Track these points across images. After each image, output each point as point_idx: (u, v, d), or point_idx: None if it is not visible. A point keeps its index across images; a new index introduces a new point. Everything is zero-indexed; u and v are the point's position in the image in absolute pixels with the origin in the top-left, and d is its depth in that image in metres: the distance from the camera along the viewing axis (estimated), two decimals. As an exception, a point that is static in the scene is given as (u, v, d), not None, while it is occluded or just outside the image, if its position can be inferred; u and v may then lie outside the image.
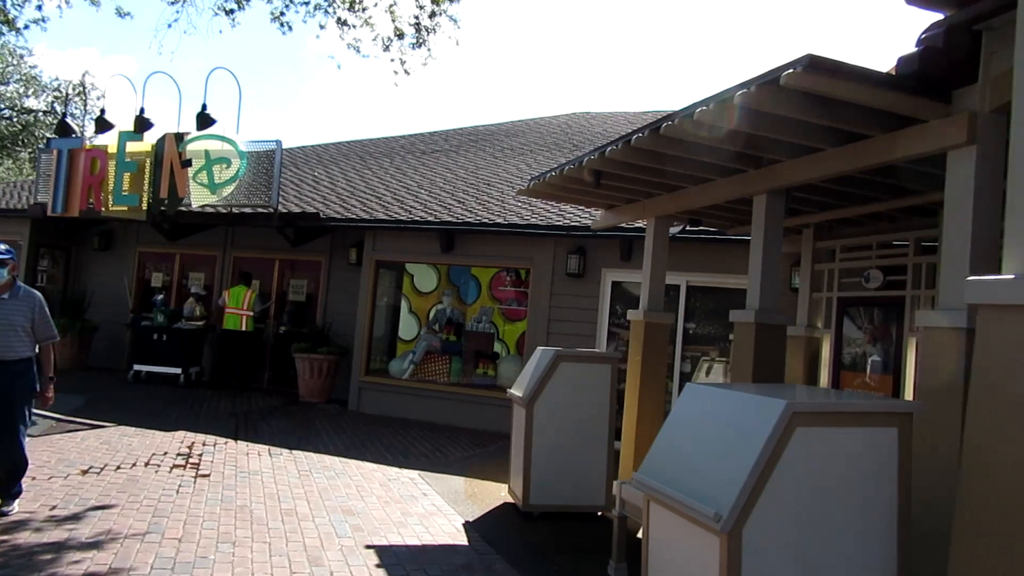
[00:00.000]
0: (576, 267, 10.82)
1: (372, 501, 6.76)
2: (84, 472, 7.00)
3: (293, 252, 13.83)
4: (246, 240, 14.39)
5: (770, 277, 5.69)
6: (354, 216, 12.29)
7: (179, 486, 6.77)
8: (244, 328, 13.01)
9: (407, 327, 12.62)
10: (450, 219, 11.57)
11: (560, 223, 10.89)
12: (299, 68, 65.32)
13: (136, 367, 13.35)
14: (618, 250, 10.66)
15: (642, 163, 5.90)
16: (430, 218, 11.72)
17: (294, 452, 8.60)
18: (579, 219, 11.01)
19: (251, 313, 13.06)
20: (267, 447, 8.76)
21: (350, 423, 10.88)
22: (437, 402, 11.62)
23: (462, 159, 16.07)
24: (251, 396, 12.72)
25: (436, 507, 6.76)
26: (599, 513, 6.66)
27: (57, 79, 30.61)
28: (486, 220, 11.32)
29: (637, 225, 10.12)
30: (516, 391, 6.90)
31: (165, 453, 8.07)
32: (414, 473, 8.01)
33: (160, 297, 14.57)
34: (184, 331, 13.44)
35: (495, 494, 7.39)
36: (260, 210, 12.57)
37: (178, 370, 13.28)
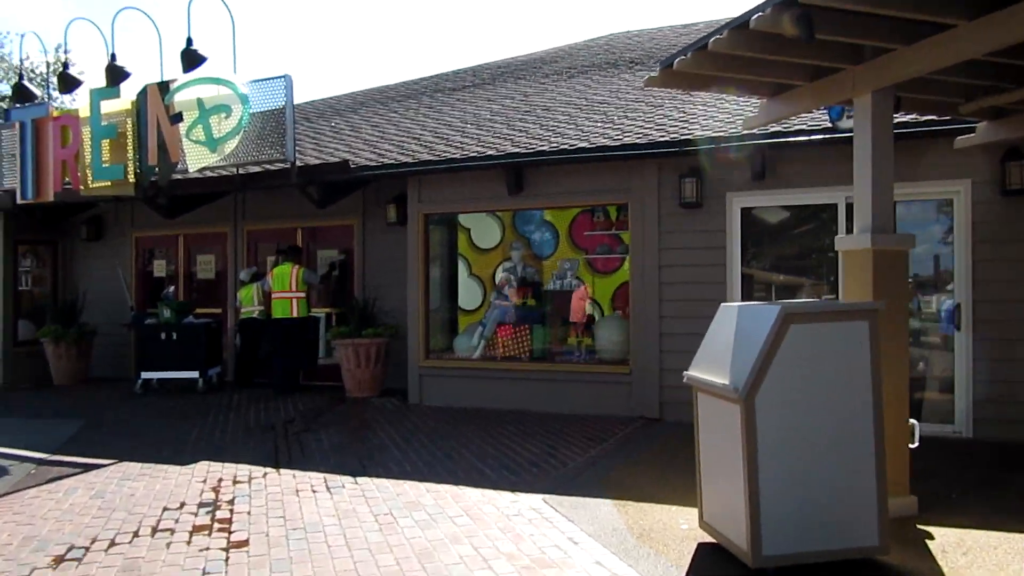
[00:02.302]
0: (692, 194, 8.24)
1: (502, 566, 4.33)
2: (58, 560, 4.60)
3: (318, 217, 11.32)
4: (260, 208, 11.89)
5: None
6: (393, 161, 9.74)
7: (204, 571, 4.37)
8: (296, 313, 10.57)
9: (469, 294, 10.14)
10: (517, 150, 8.99)
11: (666, 138, 8.29)
12: (287, 23, 62.32)
13: (144, 375, 11.00)
14: (748, 167, 8.06)
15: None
16: (491, 152, 9.14)
17: (360, 481, 6.19)
18: (688, 129, 8.40)
19: (302, 294, 10.61)
20: (322, 476, 6.36)
21: (418, 423, 8.47)
22: (522, 385, 9.17)
23: (503, 90, 13.41)
24: (287, 397, 10.33)
25: (602, 564, 4.33)
26: (876, 558, 4.18)
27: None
28: (566, 146, 8.73)
29: (774, 129, 7.53)
30: (708, 375, 4.42)
31: (182, 505, 5.67)
32: (537, 499, 5.58)
33: (171, 289, 12.19)
34: (198, 326, 11.03)
35: (672, 527, 4.94)
36: (274, 166, 10.05)
37: (195, 374, 10.91)
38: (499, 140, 9.72)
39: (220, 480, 6.31)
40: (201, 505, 5.65)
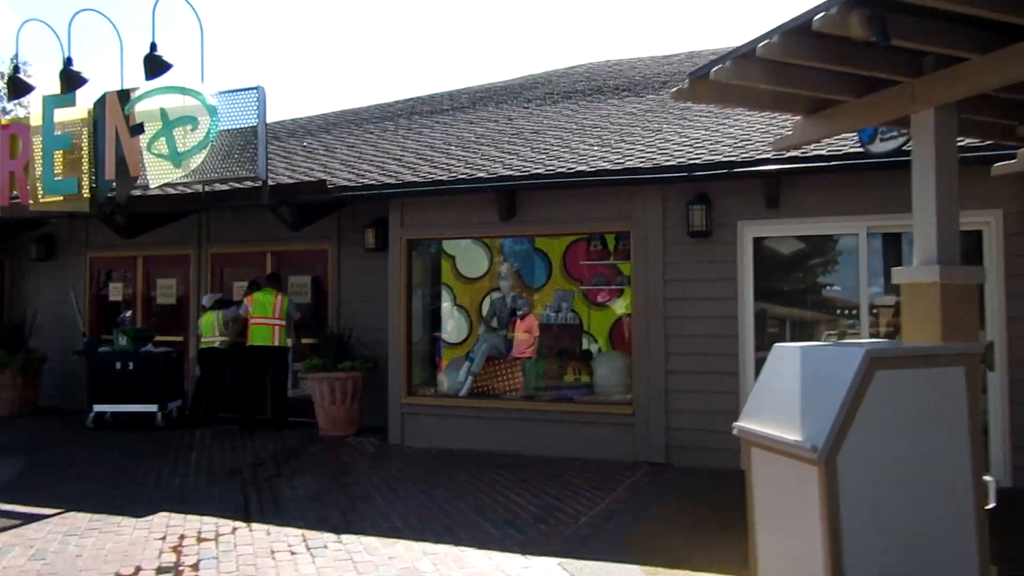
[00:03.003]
0: (701, 222, 7.69)
1: (529, 656, 3.63)
2: (-15, 650, 3.80)
3: (289, 241, 10.57)
4: (227, 230, 11.10)
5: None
6: (374, 182, 9.06)
7: (166, 664, 3.60)
8: (276, 343, 9.79)
9: (454, 326, 9.46)
10: (511, 173, 8.38)
11: (671, 162, 7.75)
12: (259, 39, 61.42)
13: (97, 407, 10.07)
14: (760, 194, 7.55)
15: None
16: (481, 174, 8.52)
17: (345, 540, 5.43)
18: (694, 153, 7.87)
19: (283, 323, 9.85)
20: (300, 533, 5.58)
21: (403, 468, 7.72)
22: (514, 425, 8.48)
23: (484, 113, 12.85)
24: (254, 434, 9.50)
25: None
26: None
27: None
28: (564, 169, 8.14)
29: (790, 155, 7.05)
30: (768, 428, 3.80)
31: (137, 570, 4.86)
32: (552, 565, 4.89)
33: (128, 314, 11.28)
34: (157, 355, 10.16)
35: (715, 602, 4.29)
36: (243, 185, 9.30)
37: (153, 407, 10.02)
38: (488, 162, 9.11)
39: (182, 537, 5.50)
40: (160, 571, 4.85)
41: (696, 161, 7.60)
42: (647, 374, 7.93)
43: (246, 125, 8.96)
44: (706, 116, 9.57)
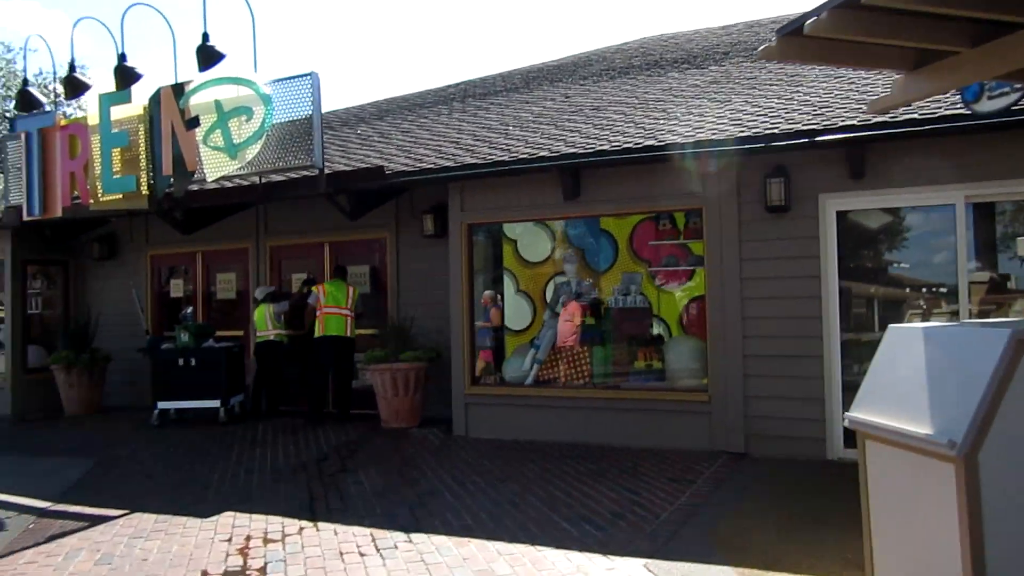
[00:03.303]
0: (779, 197, 7.21)
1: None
2: (48, 663, 3.62)
3: (346, 231, 10.38)
4: (284, 222, 10.97)
5: None
6: (432, 166, 8.78)
7: None
8: (348, 333, 9.69)
9: (517, 313, 9.14)
10: (574, 150, 8.00)
11: (746, 133, 7.27)
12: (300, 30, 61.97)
13: (161, 405, 10.04)
14: (844, 165, 7.04)
15: None
16: (543, 153, 8.16)
17: (415, 539, 5.17)
18: (771, 123, 7.38)
19: (353, 314, 9.76)
20: (368, 532, 5.35)
21: (469, 461, 7.45)
22: (582, 415, 8.13)
23: (539, 92, 12.46)
24: (317, 428, 9.35)
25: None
26: None
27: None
28: (631, 144, 7.73)
29: (877, 120, 6.52)
30: (889, 420, 3.37)
31: (203, 574, 4.68)
32: (638, 566, 4.54)
33: (190, 310, 11.25)
34: (218, 351, 10.09)
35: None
36: (299, 174, 9.13)
37: (216, 403, 9.95)
38: (549, 141, 8.74)
39: (248, 538, 5.31)
40: (227, 575, 4.66)
41: (774, 130, 7.11)
42: (724, 359, 7.50)
43: (301, 115, 8.75)
44: (776, 85, 9.04)
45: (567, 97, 11.47)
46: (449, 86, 15.32)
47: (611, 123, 8.99)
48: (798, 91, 8.47)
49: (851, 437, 6.99)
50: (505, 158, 8.29)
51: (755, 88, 9.14)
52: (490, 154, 8.63)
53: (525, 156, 8.19)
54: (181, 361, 9.98)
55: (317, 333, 9.70)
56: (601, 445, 7.87)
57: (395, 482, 6.71)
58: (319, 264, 10.86)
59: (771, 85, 9.09)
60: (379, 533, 5.31)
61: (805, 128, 6.96)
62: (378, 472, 7.09)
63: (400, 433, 8.90)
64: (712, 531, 5.12)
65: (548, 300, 8.94)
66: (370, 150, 10.85)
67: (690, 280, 8.19)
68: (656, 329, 8.33)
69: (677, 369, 8.10)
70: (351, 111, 15.42)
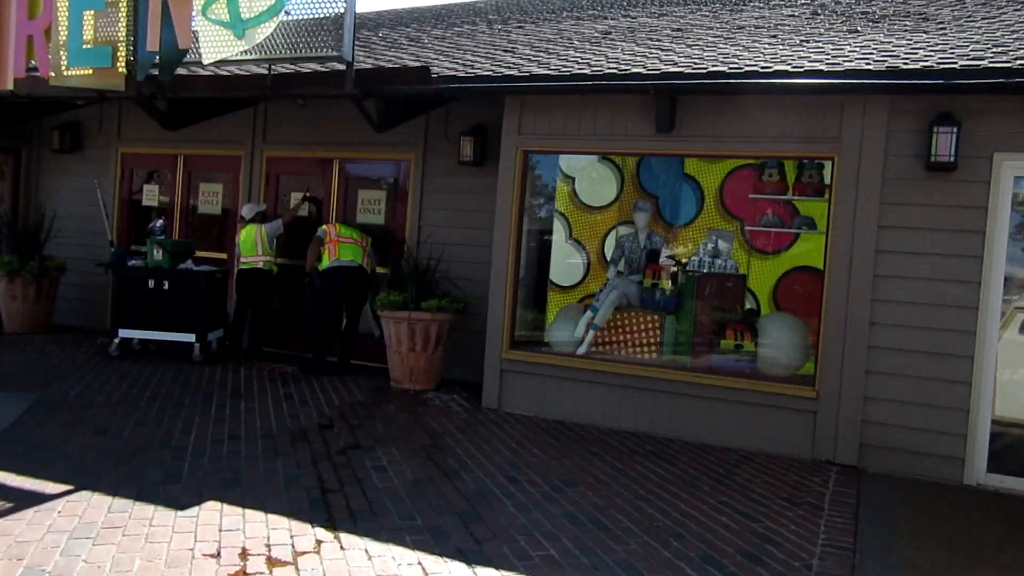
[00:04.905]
0: (948, 151, 5.62)
1: None
2: None
3: (363, 147, 8.65)
4: (289, 129, 9.16)
5: None
6: (488, 73, 7.02)
7: None
8: (364, 264, 8.13)
9: (567, 266, 7.57)
10: (679, 70, 6.30)
11: (911, 66, 5.64)
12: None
13: (123, 332, 8.31)
14: (1034, 116, 5.48)
15: None
16: (638, 69, 6.45)
17: (481, 574, 3.64)
18: (944, 56, 5.75)
19: (368, 253, 8.22)
20: (415, 558, 3.78)
21: (514, 446, 5.90)
22: (650, 398, 6.61)
23: (593, 13, 10.64)
24: (311, 379, 7.74)
25: None
26: None
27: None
28: (757, 68, 6.06)
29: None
30: None
31: (182, 622, 3.09)
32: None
33: (160, 222, 9.48)
34: (198, 275, 8.35)
35: None
36: (322, 66, 7.34)
37: (191, 337, 8.25)
38: (633, 58, 7.03)
39: (245, 555, 3.71)
40: (217, 625, 3.07)
41: (952, 65, 5.50)
42: (838, 348, 5.99)
43: (327, -10, 6.93)
44: (947, 19, 7.40)
45: (634, 18, 9.69)
46: (478, 1, 13.35)
47: (710, 45, 7.30)
48: (971, 25, 6.88)
49: (998, 458, 5.63)
50: (587, 71, 6.57)
51: (925, 17, 7.49)
52: (564, 67, 6.90)
53: (613, 71, 6.48)
54: (152, 283, 8.24)
55: (325, 263, 8.04)
56: (670, 438, 6.38)
57: (429, 472, 5.14)
58: (325, 185, 9.11)
59: (940, 13, 7.51)
60: (430, 561, 3.75)
61: (998, 65, 5.36)
62: (402, 454, 5.51)
63: (415, 397, 7.32)
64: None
65: (608, 255, 7.36)
66: (400, 51, 9.02)
67: (792, 246, 6.67)
68: (748, 302, 6.80)
69: (772, 354, 6.59)
70: (366, 16, 13.43)
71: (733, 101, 6.35)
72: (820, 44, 6.71)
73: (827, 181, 6.36)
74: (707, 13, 9.47)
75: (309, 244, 8.23)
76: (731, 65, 6.19)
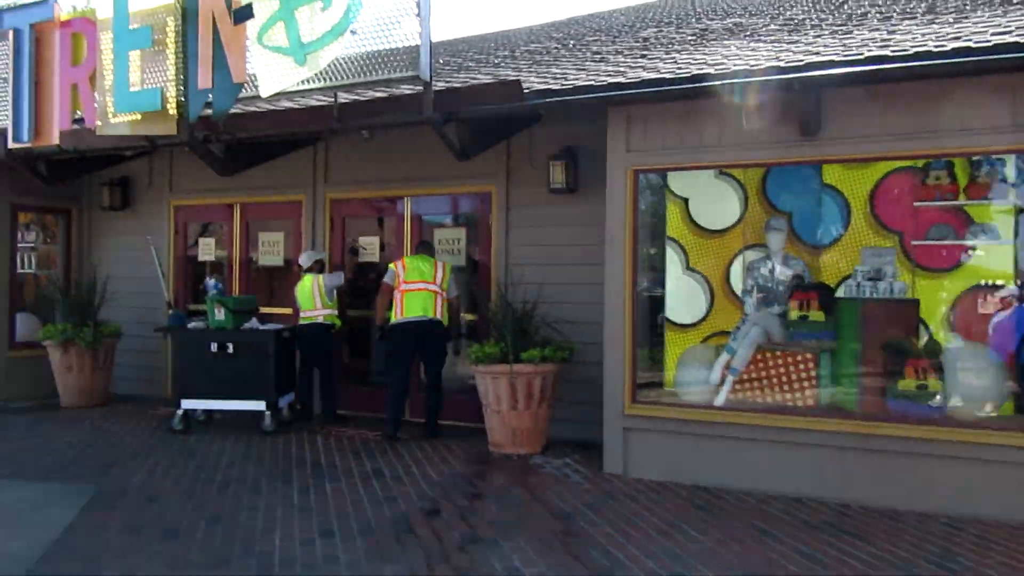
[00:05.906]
0: None
1: None
2: None
3: (435, 182, 7.81)
4: (351, 167, 8.34)
5: None
6: (589, 83, 6.04)
7: None
8: (438, 315, 7.09)
9: (686, 300, 6.49)
10: (821, 59, 5.26)
11: None
12: None
13: (185, 404, 7.44)
14: None
15: None
16: (769, 64, 5.43)
17: None
18: None
19: (444, 294, 7.18)
20: None
21: (663, 529, 4.81)
22: (811, 454, 5.47)
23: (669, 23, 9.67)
24: (398, 448, 6.75)
25: None
26: None
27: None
28: (929, 48, 4.99)
29: None
30: None
31: None
32: None
33: (211, 280, 8.68)
34: (264, 335, 7.47)
35: None
36: (396, 89, 6.46)
37: (260, 405, 7.34)
38: (762, 53, 6.01)
39: None
40: None
41: None
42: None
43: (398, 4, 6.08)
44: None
45: (723, 19, 8.70)
46: (548, 24, 12.43)
47: (842, 32, 6.25)
48: None
49: None
50: (708, 71, 5.56)
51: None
52: (677, 69, 5.91)
53: (742, 68, 5.46)
54: (214, 346, 7.37)
55: (394, 318, 7.10)
56: (844, 503, 5.24)
57: (576, 573, 4.07)
58: (396, 226, 8.22)
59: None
60: None
61: None
62: (534, 547, 4.45)
63: (523, 465, 6.28)
64: None
65: (734, 285, 6.28)
66: (470, 74, 8.14)
67: (965, 261, 5.54)
68: (923, 333, 5.65)
69: (965, 395, 5.42)
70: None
71: (892, 93, 5.28)
72: (1004, 19, 5.62)
73: (1011, 180, 5.24)
74: (822, 8, 8.44)
75: (377, 292, 7.33)
76: (893, 49, 5.12)
